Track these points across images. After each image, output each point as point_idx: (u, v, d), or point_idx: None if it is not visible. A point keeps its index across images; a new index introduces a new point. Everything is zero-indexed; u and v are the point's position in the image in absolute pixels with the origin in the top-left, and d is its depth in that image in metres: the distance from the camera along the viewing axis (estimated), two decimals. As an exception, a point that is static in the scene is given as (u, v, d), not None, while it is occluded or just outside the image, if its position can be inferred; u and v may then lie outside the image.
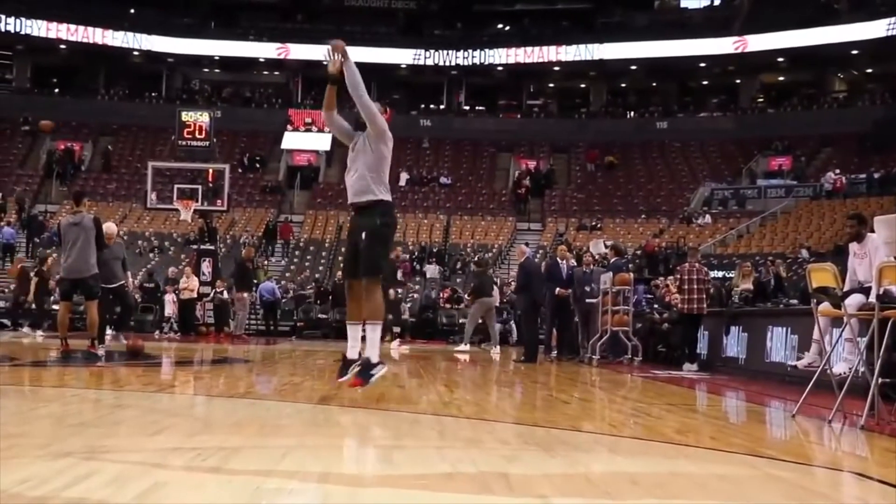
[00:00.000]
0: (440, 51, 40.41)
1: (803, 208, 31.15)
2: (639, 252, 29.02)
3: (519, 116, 41.40)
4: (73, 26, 38.49)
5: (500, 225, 33.63)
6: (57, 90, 40.48)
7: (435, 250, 30.62)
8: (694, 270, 11.95)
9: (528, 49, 39.57)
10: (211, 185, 23.02)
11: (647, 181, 36.53)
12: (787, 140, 35.90)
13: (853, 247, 7.04)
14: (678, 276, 12.34)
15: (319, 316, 24.59)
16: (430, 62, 40.53)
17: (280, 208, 34.89)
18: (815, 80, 39.50)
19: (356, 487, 3.12)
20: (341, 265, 6.18)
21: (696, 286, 11.83)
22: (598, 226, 32.28)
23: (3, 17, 37.61)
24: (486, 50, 40.33)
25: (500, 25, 42.80)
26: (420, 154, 38.82)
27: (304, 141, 37.81)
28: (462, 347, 15.76)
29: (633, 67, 39.64)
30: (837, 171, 31.61)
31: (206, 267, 22.45)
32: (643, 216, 33.59)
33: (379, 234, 5.82)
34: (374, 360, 5.80)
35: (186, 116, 24.93)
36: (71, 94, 39.68)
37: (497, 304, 21.79)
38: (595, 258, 15.87)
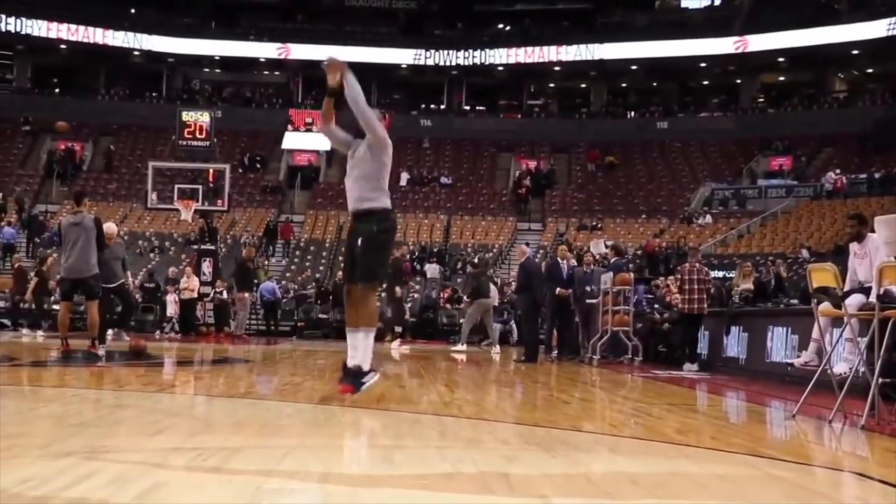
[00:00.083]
0: (441, 51, 40.42)
1: (804, 208, 31.14)
2: (639, 252, 29.01)
3: (519, 116, 41.39)
4: (73, 26, 38.50)
5: (501, 225, 33.63)
6: (57, 90, 40.48)
7: (435, 250, 30.62)
8: (694, 270, 11.95)
9: (529, 49, 39.57)
10: (211, 185, 23.02)
11: (648, 181, 36.53)
12: (788, 140, 35.90)
13: (853, 247, 7.04)
14: (679, 276, 12.34)
15: (320, 316, 24.60)
16: (430, 62, 40.53)
17: (280, 208, 34.89)
18: (815, 80, 39.50)
19: (357, 487, 3.12)
20: (341, 267, 6.17)
21: (696, 286, 11.83)
22: (599, 226, 32.27)
23: (4, 17, 37.63)
24: (487, 50, 40.34)
25: (500, 25, 42.80)
26: (420, 154, 38.82)
27: (305, 141, 37.80)
28: (459, 347, 15.76)
29: (634, 67, 39.64)
30: (838, 171, 31.60)
31: (206, 267, 22.45)
32: (644, 216, 33.59)
33: (376, 240, 5.79)
34: (366, 367, 5.74)
35: (187, 116, 24.91)
36: (71, 94, 39.68)
37: (496, 304, 21.84)
38: (596, 258, 15.86)
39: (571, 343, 14.36)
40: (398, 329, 18.73)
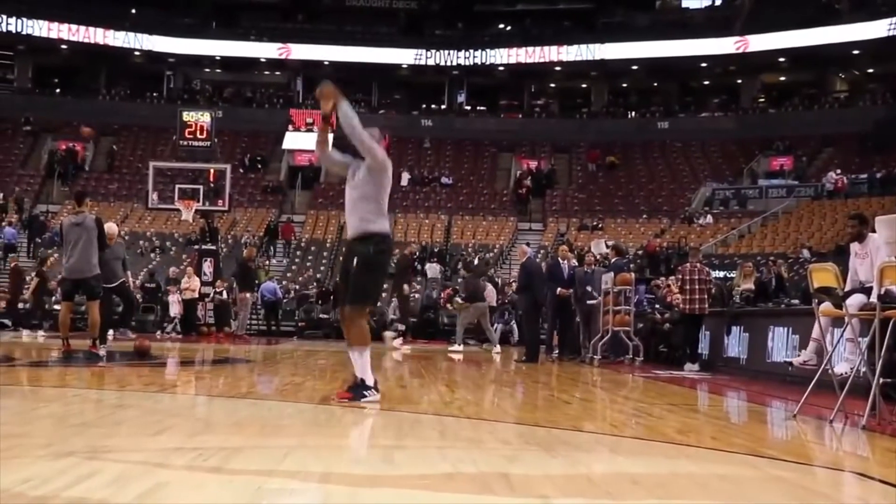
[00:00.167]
0: (441, 51, 40.43)
1: (804, 208, 31.14)
2: (640, 252, 29.01)
3: (520, 116, 41.39)
4: (74, 26, 38.52)
5: (502, 225, 33.64)
6: (58, 90, 40.49)
7: (436, 250, 30.61)
8: (695, 270, 11.95)
9: (530, 49, 39.58)
10: (212, 185, 23.02)
11: (649, 181, 36.52)
12: (789, 140, 35.90)
13: (854, 247, 7.04)
14: (679, 277, 12.34)
15: (321, 316, 24.61)
16: (431, 62, 40.54)
17: (281, 208, 34.90)
18: (816, 80, 39.50)
19: (357, 487, 3.12)
20: (333, 291, 6.22)
21: (697, 286, 11.83)
22: (600, 226, 32.27)
23: (5, 17, 37.65)
24: (488, 50, 40.34)
25: (501, 25, 42.81)
26: (421, 154, 38.83)
27: (306, 141, 37.69)
28: (456, 348, 15.76)
29: (635, 67, 39.64)
30: (839, 171, 31.59)
31: (207, 267, 22.46)
32: (644, 216, 33.59)
33: (372, 262, 5.84)
34: (369, 382, 5.82)
35: (188, 116, 24.93)
36: (72, 95, 39.70)
37: (494, 304, 21.86)
38: (597, 258, 15.86)
39: (572, 343, 14.36)
40: (401, 327, 18.75)
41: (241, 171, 35.51)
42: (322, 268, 29.92)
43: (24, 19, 37.95)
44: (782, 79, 40.70)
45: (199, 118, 24.84)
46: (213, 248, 23.58)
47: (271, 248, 31.27)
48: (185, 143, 24.59)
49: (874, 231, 6.98)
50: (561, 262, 14.12)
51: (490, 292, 22.12)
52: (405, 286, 18.16)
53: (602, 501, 3.04)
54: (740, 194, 33.68)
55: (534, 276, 13.40)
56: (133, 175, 34.78)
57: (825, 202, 30.87)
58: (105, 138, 37.95)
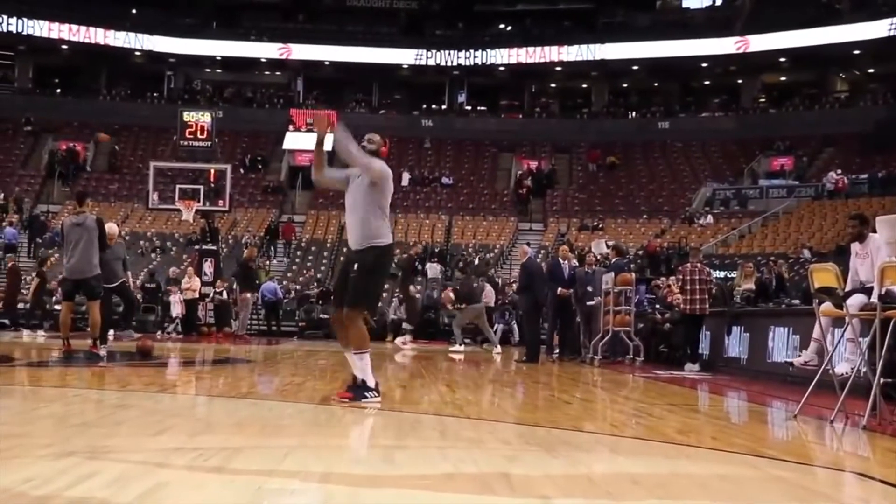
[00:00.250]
0: (442, 51, 40.42)
1: (805, 208, 31.13)
2: (640, 252, 29.00)
3: (521, 116, 41.38)
4: (74, 26, 38.52)
5: (502, 225, 33.63)
6: (59, 90, 40.47)
7: (437, 250, 30.61)
8: (696, 271, 11.94)
9: (530, 49, 39.57)
10: (213, 185, 23.02)
11: (649, 181, 36.52)
12: (789, 140, 35.88)
13: (855, 247, 7.04)
14: (680, 277, 12.34)
15: (321, 316, 24.59)
16: (431, 62, 40.54)
17: (282, 208, 34.89)
18: (816, 80, 39.48)
19: (358, 487, 3.12)
20: (332, 291, 6.20)
21: (697, 286, 11.82)
22: (600, 226, 32.26)
23: (5, 17, 37.66)
24: (488, 50, 40.34)
25: (501, 25, 42.81)
26: (422, 154, 38.83)
27: (306, 141, 37.71)
28: (457, 348, 15.75)
29: (635, 67, 39.63)
30: (839, 171, 31.56)
31: (207, 267, 22.46)
32: (645, 216, 33.58)
33: (372, 269, 5.88)
34: (371, 384, 5.84)
35: (188, 116, 24.94)
36: (73, 95, 39.70)
37: (492, 305, 21.86)
38: (598, 258, 15.86)
39: (572, 343, 14.35)
40: (408, 327, 18.78)
41: (242, 171, 35.51)
42: (322, 268, 29.92)
43: (25, 19, 37.95)
44: (783, 79, 40.69)
45: (199, 118, 24.84)
46: (214, 248, 23.58)
47: (272, 248, 31.26)
48: (186, 143, 24.59)
49: (875, 231, 6.98)
50: (561, 262, 14.11)
51: (489, 293, 22.12)
52: (411, 287, 18.12)
53: (602, 501, 3.04)
54: (741, 194, 33.67)
55: (534, 276, 13.40)
56: (134, 175, 34.79)
57: (826, 202, 30.85)
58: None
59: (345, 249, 6.12)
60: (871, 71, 38.85)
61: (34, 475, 3.02)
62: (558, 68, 40.41)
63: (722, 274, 22.48)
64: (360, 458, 4.00)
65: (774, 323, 10.43)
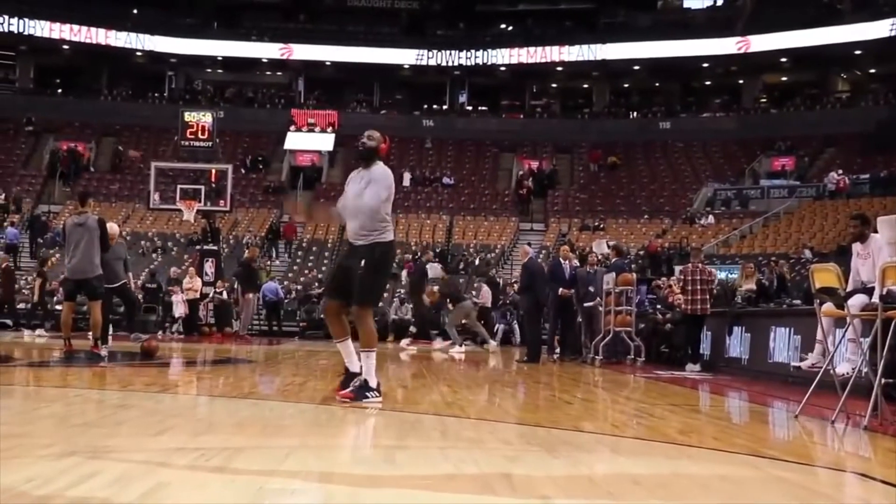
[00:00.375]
0: (443, 51, 40.41)
1: (806, 209, 31.11)
2: (641, 252, 29.00)
3: (522, 117, 41.38)
4: (76, 27, 38.53)
5: (503, 225, 33.64)
6: (60, 90, 40.51)
7: (438, 250, 30.61)
8: (697, 271, 11.94)
9: (531, 49, 39.56)
10: (214, 185, 23.04)
11: (650, 181, 36.51)
12: (790, 140, 35.86)
13: (856, 247, 7.03)
14: (681, 277, 12.33)
15: (322, 316, 24.57)
16: (432, 62, 40.53)
17: (283, 209, 34.90)
18: (818, 80, 39.47)
19: (359, 487, 3.12)
20: (330, 282, 6.19)
21: (699, 287, 11.81)
22: (601, 226, 32.26)
23: (6, 17, 37.67)
24: (489, 50, 40.32)
25: (502, 25, 42.80)
26: (423, 154, 38.83)
27: (307, 141, 37.82)
28: (457, 349, 15.74)
29: (636, 67, 39.62)
30: (840, 171, 31.54)
31: (209, 267, 22.47)
32: (646, 216, 33.57)
33: (377, 265, 5.86)
34: (373, 384, 5.83)
35: (189, 117, 24.95)
36: (74, 95, 39.73)
37: (489, 305, 21.90)
38: (599, 258, 15.85)
39: (573, 343, 14.35)
40: (412, 329, 18.81)
41: (243, 171, 35.52)
42: (323, 268, 29.91)
43: (26, 20, 37.96)
44: (784, 79, 40.68)
45: (200, 118, 24.85)
46: (215, 248, 23.59)
47: (273, 248, 31.25)
48: (187, 143, 24.61)
49: (876, 231, 6.98)
50: (562, 262, 14.11)
51: (486, 293, 22.19)
52: (424, 296, 18.15)
53: (604, 502, 3.04)
54: (742, 194, 33.66)
55: (535, 276, 13.39)
56: (135, 175, 34.81)
57: (827, 202, 30.83)
58: (107, 139, 37.97)
59: (347, 248, 6.06)
60: (872, 71, 38.83)
61: (35, 475, 3.02)
62: (559, 68, 40.40)
63: (723, 275, 22.48)
64: (361, 459, 3.99)
65: (775, 323, 10.42)
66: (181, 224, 29.65)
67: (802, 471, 3.85)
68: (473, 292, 23.31)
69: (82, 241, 9.66)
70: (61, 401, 5.89)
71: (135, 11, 39.92)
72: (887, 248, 6.62)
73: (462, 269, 29.44)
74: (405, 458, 3.81)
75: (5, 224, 29.47)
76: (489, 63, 40.33)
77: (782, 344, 10.02)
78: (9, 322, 21.59)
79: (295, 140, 37.84)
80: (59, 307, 16.71)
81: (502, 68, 40.59)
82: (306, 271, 29.12)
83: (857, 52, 36.60)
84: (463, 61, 40.33)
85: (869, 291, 6.23)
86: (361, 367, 5.95)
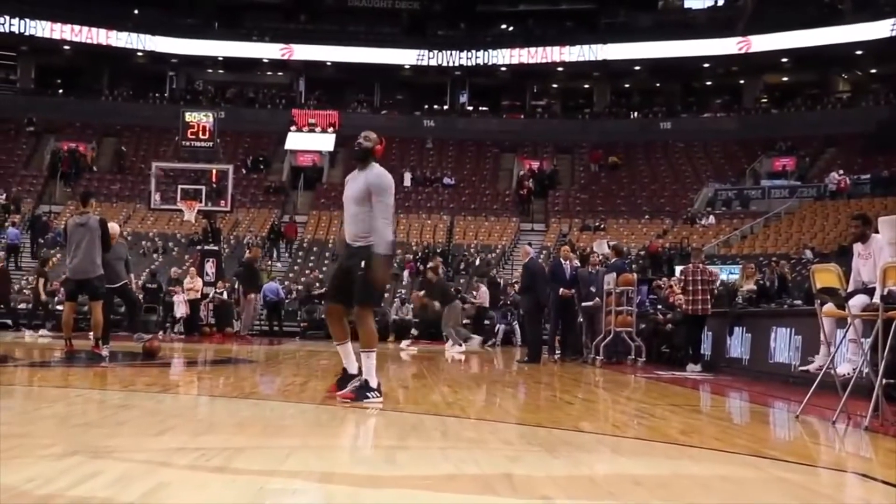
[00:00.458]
0: (444, 51, 40.41)
1: (807, 209, 31.10)
2: (642, 252, 28.99)
3: (522, 117, 41.38)
4: (76, 27, 38.54)
5: (504, 225, 33.64)
6: (61, 91, 40.54)
7: (438, 251, 30.62)
8: (698, 271, 11.94)
9: (532, 49, 39.56)
10: (214, 185, 23.03)
11: (651, 181, 36.50)
12: (791, 140, 35.86)
13: (857, 247, 7.04)
14: (682, 277, 12.33)
15: (323, 317, 24.58)
16: (433, 62, 40.53)
17: (284, 209, 34.91)
18: (818, 80, 39.46)
19: (359, 488, 3.12)
20: (330, 285, 6.22)
21: (699, 287, 11.81)
22: (602, 226, 32.26)
23: (7, 17, 37.69)
24: (490, 50, 40.32)
25: (503, 26, 42.80)
26: (423, 154, 38.84)
27: (308, 141, 37.84)
28: (458, 349, 15.74)
29: (637, 68, 39.62)
30: (841, 171, 31.54)
31: (209, 267, 22.46)
32: (647, 217, 33.56)
33: (377, 265, 5.86)
34: (373, 384, 5.84)
35: (190, 117, 24.94)
36: (75, 95, 39.74)
37: (486, 306, 21.92)
38: (601, 259, 15.84)
39: (574, 344, 14.34)
40: (414, 332, 18.87)
41: (244, 171, 35.54)
42: (324, 268, 29.91)
43: (27, 20, 37.97)
44: (785, 79, 40.67)
45: (201, 119, 24.85)
46: (216, 248, 23.59)
47: (275, 249, 31.24)
48: (188, 143, 24.60)
49: (877, 232, 6.98)
50: (563, 262, 14.10)
51: (483, 293, 22.22)
52: (436, 303, 18.22)
53: (604, 502, 3.04)
54: (743, 195, 33.66)
55: (536, 276, 13.39)
56: (136, 175, 34.82)
57: (828, 203, 30.83)
58: (108, 139, 38.00)
59: (347, 250, 6.06)
60: (873, 71, 38.82)
61: (36, 475, 3.02)
62: (560, 69, 40.40)
63: (723, 275, 22.47)
64: (361, 459, 3.99)
65: (776, 323, 10.42)
66: (182, 224, 29.65)
67: (803, 471, 3.85)
68: (474, 292, 23.33)
69: (84, 241, 9.66)
70: (62, 401, 5.90)
71: (136, 12, 39.93)
72: (888, 248, 6.63)
73: (463, 270, 29.47)
74: (406, 459, 3.81)
75: (6, 224, 29.48)
76: (490, 63, 40.33)
77: (783, 344, 10.02)
78: (8, 322, 21.60)
79: (296, 140, 37.85)
80: (59, 307, 16.72)
81: (503, 68, 40.59)
82: (307, 271, 29.09)
83: (858, 53, 36.60)
84: (464, 61, 40.34)
85: (870, 292, 6.23)
86: (360, 370, 5.96)
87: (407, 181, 35.35)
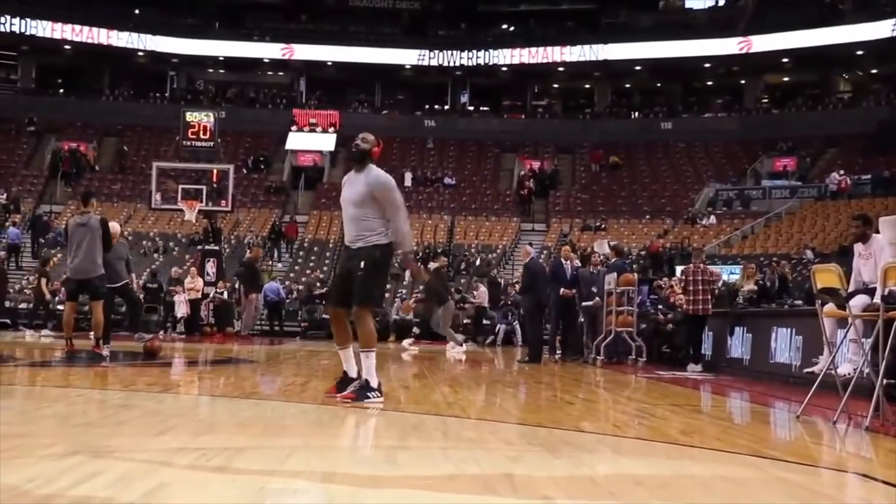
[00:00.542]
0: (445, 51, 40.41)
1: (808, 209, 31.09)
2: (643, 252, 28.98)
3: (523, 117, 41.38)
4: (77, 27, 38.56)
5: (505, 225, 33.63)
6: (62, 90, 40.54)
7: (439, 251, 30.60)
8: (699, 271, 11.94)
9: (533, 49, 39.56)
10: (215, 185, 23.04)
11: (652, 182, 36.49)
12: (792, 141, 35.85)
13: (858, 247, 7.04)
14: (683, 277, 12.33)
15: (324, 316, 24.58)
16: (434, 62, 40.53)
17: (284, 209, 34.91)
18: (819, 80, 39.45)
19: (360, 488, 3.12)
20: (330, 290, 6.27)
21: (700, 287, 11.81)
22: (603, 226, 32.25)
23: (8, 17, 37.70)
24: (491, 50, 40.33)
25: (504, 26, 42.80)
26: (424, 154, 38.84)
27: (309, 141, 37.85)
28: (458, 348, 15.73)
29: (638, 68, 39.62)
30: (842, 171, 31.53)
31: (210, 267, 22.47)
32: (647, 217, 33.56)
33: (377, 265, 5.90)
34: (374, 384, 5.85)
35: (191, 117, 24.95)
36: (75, 95, 39.75)
37: (485, 306, 21.89)
38: (601, 259, 15.84)
39: (575, 344, 14.34)
40: (415, 330, 18.87)
41: (244, 171, 35.54)
42: (325, 268, 29.93)
43: (28, 20, 37.99)
44: (786, 79, 40.66)
45: (202, 118, 24.86)
46: (217, 248, 23.60)
47: (276, 249, 31.23)
48: (189, 143, 24.62)
49: (878, 232, 6.98)
50: (564, 262, 14.10)
51: (482, 292, 22.21)
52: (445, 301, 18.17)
53: (605, 502, 3.04)
54: (744, 195, 33.65)
55: (537, 276, 13.39)
56: (136, 175, 34.83)
57: (828, 203, 30.82)
58: (109, 139, 38.01)
59: (346, 251, 6.09)
60: (874, 71, 38.80)
61: (37, 474, 3.02)
62: (561, 69, 40.40)
63: (725, 275, 22.47)
64: (362, 459, 4.00)
65: (777, 324, 10.42)
66: (183, 224, 29.66)
67: (804, 471, 3.85)
68: (474, 292, 23.33)
69: (84, 240, 9.66)
70: (63, 401, 5.90)
71: (136, 11, 39.92)
72: (889, 248, 6.63)
73: (464, 270, 29.46)
74: (407, 459, 3.81)
75: (7, 224, 29.49)
76: (491, 63, 40.34)
77: (784, 344, 10.02)
78: (7, 321, 21.62)
79: (296, 140, 37.86)
80: (60, 307, 16.72)
81: (504, 68, 40.59)
82: (308, 271, 29.10)
83: (859, 53, 36.59)
84: (464, 61, 40.34)
85: (871, 292, 6.23)
86: (359, 374, 5.98)
87: (408, 181, 35.35)
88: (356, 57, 40.02)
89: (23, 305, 23.14)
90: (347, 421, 5.28)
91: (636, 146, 38.23)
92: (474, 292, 23.11)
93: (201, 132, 24.45)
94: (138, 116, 38.36)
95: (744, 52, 37.35)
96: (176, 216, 28.99)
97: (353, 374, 6.04)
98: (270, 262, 28.55)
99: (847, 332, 6.18)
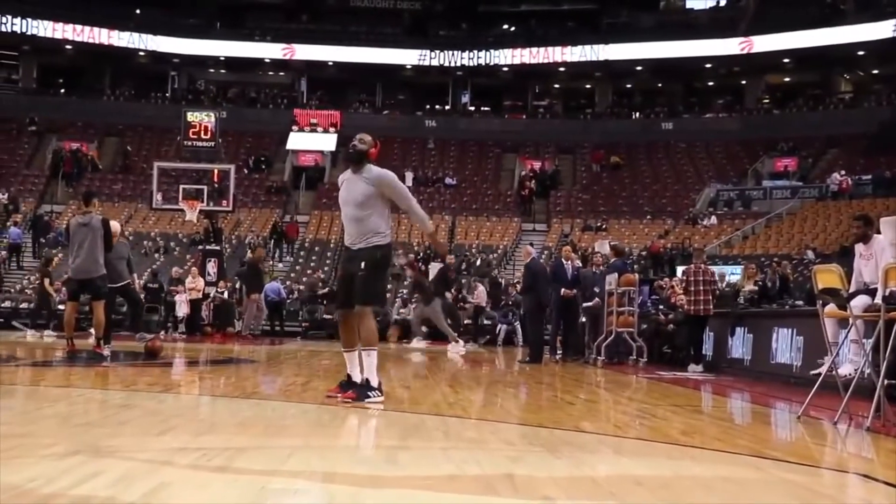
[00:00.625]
0: (445, 51, 40.42)
1: (809, 209, 31.09)
2: (644, 253, 28.98)
3: (524, 117, 41.38)
4: (78, 27, 38.57)
5: (506, 226, 33.63)
6: (63, 90, 40.56)
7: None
8: (700, 272, 11.93)
9: (534, 50, 39.56)
10: (216, 185, 23.04)
11: (653, 182, 36.48)
12: (793, 141, 35.84)
13: (859, 248, 7.03)
14: (684, 278, 12.32)
15: (325, 317, 24.58)
16: (435, 63, 40.54)
17: (285, 209, 34.91)
18: (820, 80, 39.43)
19: (361, 488, 3.12)
20: (335, 294, 6.31)
21: (701, 287, 11.81)
22: (604, 226, 32.24)
23: (9, 17, 37.72)
24: (492, 50, 40.33)
25: (505, 26, 42.80)
26: (425, 154, 38.84)
27: (310, 141, 37.85)
28: (459, 348, 15.73)
29: (639, 68, 39.61)
30: (843, 172, 31.52)
31: (211, 267, 22.47)
32: (648, 217, 33.55)
33: (378, 265, 5.94)
34: (374, 383, 5.87)
35: (192, 117, 24.95)
36: (76, 95, 39.76)
37: (483, 305, 21.87)
38: (602, 259, 15.83)
39: (576, 344, 14.34)
40: (424, 329, 18.90)
41: (245, 171, 35.55)
42: (326, 268, 29.93)
43: (29, 20, 38.00)
44: (787, 79, 40.64)
45: (203, 118, 24.86)
46: (217, 248, 23.60)
47: (277, 250, 31.23)
48: (190, 143, 24.62)
49: (879, 232, 6.97)
50: (564, 262, 14.10)
51: (481, 292, 22.19)
52: (447, 294, 18.19)
53: (606, 502, 3.04)
54: (744, 195, 33.64)
55: (538, 276, 13.39)
56: (137, 175, 34.85)
57: (829, 203, 30.81)
58: (110, 139, 38.02)
59: (346, 252, 6.12)
60: (875, 72, 38.80)
61: (38, 474, 3.02)
62: (562, 69, 40.39)
63: (726, 276, 22.46)
64: (363, 459, 4.00)
65: (778, 324, 10.41)
66: (184, 224, 29.67)
67: (805, 472, 3.85)
68: (474, 291, 23.32)
69: (86, 240, 9.67)
70: (64, 400, 5.90)
71: (138, 11, 39.93)
72: (890, 248, 6.63)
73: (464, 270, 29.43)
74: (407, 459, 3.81)
75: (8, 224, 29.50)
76: (492, 63, 40.34)
77: (785, 345, 10.01)
78: (1, 319, 21.66)
79: (297, 140, 37.87)
80: (61, 307, 16.73)
81: (505, 69, 40.60)
82: (309, 271, 29.10)
83: (860, 53, 36.58)
84: (465, 62, 40.34)
85: (872, 292, 6.23)
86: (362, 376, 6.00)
87: (409, 181, 35.29)
88: (357, 57, 40.03)
89: (24, 305, 23.15)
90: (348, 421, 5.28)
91: (637, 146, 38.23)
92: (473, 292, 23.10)
93: (202, 132, 24.46)
94: (139, 116, 38.37)
95: (745, 52, 37.34)
96: (177, 216, 29.00)
97: (356, 377, 6.05)
98: (272, 263, 28.54)
99: (848, 332, 6.18)
